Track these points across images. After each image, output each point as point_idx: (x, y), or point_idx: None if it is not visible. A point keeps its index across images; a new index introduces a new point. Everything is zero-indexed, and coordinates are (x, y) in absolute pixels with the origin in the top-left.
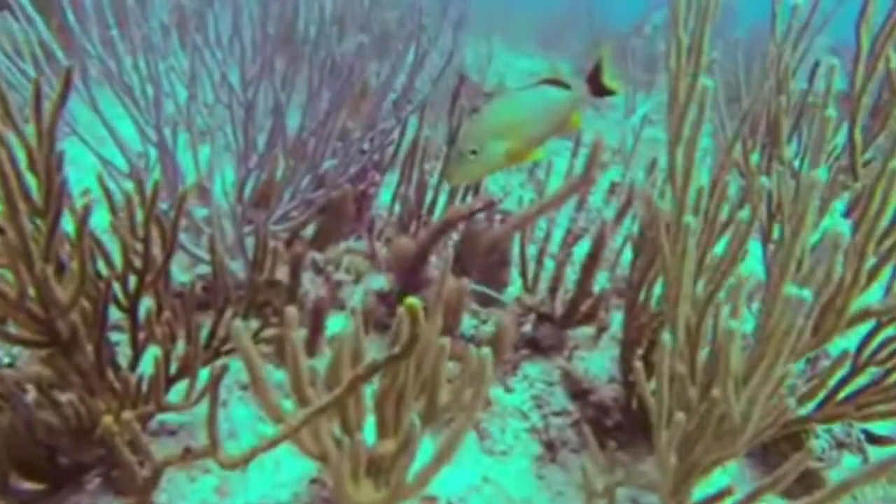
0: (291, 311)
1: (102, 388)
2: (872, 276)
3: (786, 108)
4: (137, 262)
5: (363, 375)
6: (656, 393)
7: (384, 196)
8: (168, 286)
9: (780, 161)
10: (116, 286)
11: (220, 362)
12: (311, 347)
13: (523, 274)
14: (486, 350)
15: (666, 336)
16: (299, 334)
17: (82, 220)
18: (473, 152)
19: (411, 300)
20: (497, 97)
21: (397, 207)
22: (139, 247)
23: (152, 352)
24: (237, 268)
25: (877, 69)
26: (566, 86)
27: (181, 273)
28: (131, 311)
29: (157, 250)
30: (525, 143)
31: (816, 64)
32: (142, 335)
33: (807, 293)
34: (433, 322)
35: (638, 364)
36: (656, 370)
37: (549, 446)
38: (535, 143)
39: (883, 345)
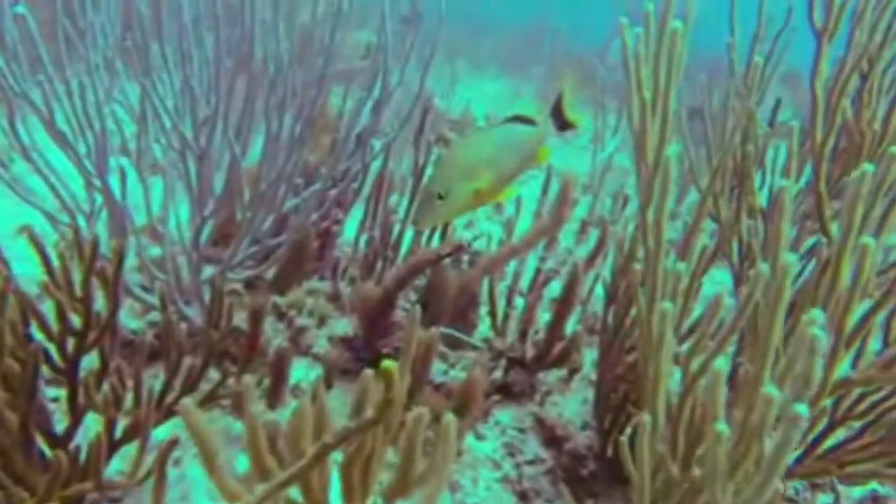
0: (248, 380)
1: (28, 466)
2: (849, 344)
3: (754, 156)
4: (78, 320)
5: (330, 445)
6: (637, 476)
7: (349, 229)
8: (114, 344)
9: (749, 209)
10: (54, 347)
11: (171, 426)
12: (274, 399)
13: (492, 314)
14: (450, 417)
15: (647, 418)
16: (257, 396)
17: None
18: (440, 196)
19: (387, 363)
20: (463, 138)
21: (362, 242)
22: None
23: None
24: (193, 314)
25: (835, 122)
26: (532, 122)
27: (132, 319)
28: (69, 375)
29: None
30: (493, 184)
31: (778, 102)
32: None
33: (802, 409)
34: (401, 382)
35: (623, 439)
36: (637, 455)
37: (523, 496)
38: (504, 183)
39: (859, 398)
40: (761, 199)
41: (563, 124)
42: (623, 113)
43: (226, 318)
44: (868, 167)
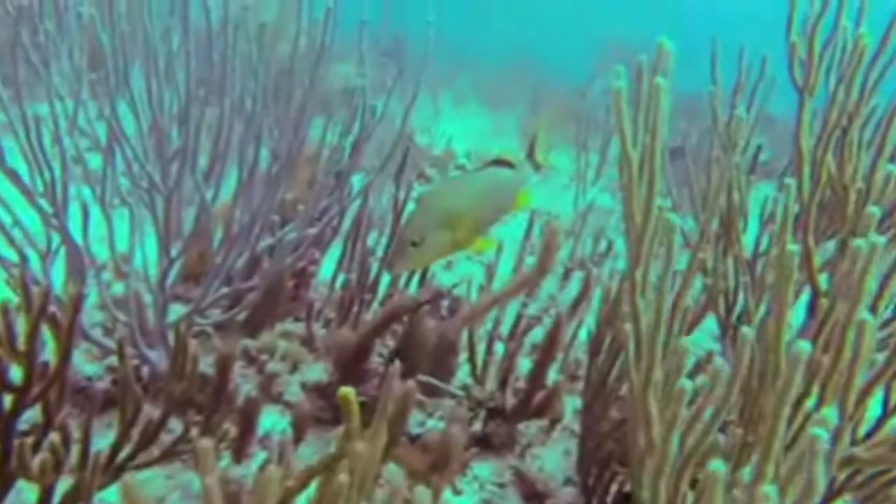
0: (206, 444)
1: None
2: (853, 418)
3: (739, 206)
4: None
5: (293, 490)
6: None
7: (325, 268)
8: (62, 399)
9: (735, 259)
10: None
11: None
12: (240, 451)
13: (472, 360)
14: (423, 491)
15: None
16: (223, 447)
17: None
18: (415, 243)
19: (345, 389)
20: (442, 184)
21: (339, 279)
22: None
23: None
24: (157, 357)
25: (822, 179)
26: (512, 165)
27: (88, 364)
28: (2, 437)
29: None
30: (470, 230)
31: (759, 148)
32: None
33: None
34: (375, 442)
35: None
36: None
37: None
38: (482, 229)
39: (858, 469)
40: (746, 249)
41: (535, 165)
42: (605, 153)
43: (190, 366)
44: (865, 242)
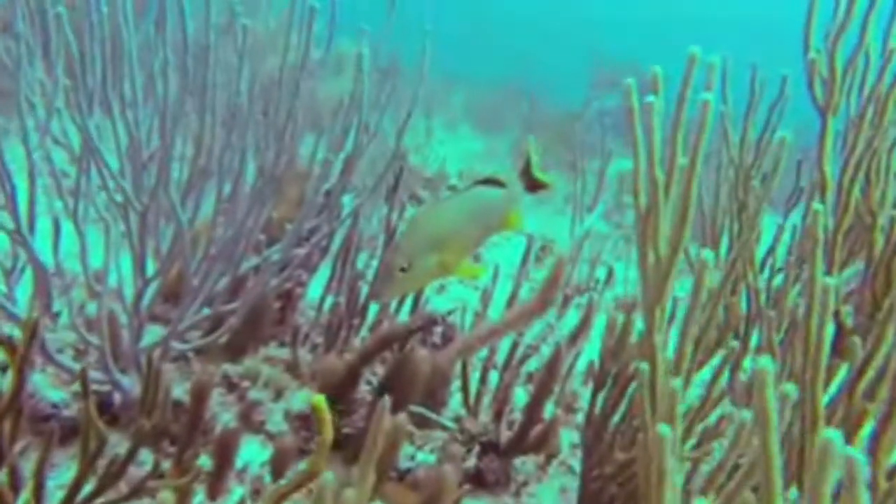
0: (167, 499)
1: None
2: None
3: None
4: None
5: None
6: None
7: (313, 289)
8: (16, 432)
9: (747, 290)
10: None
11: None
12: (216, 487)
13: (464, 389)
14: None
15: None
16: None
17: None
18: (402, 269)
19: (317, 398)
20: (429, 206)
21: (327, 302)
22: None
23: None
24: (130, 383)
25: (849, 209)
26: (503, 184)
27: (54, 389)
28: None
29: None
30: (458, 253)
31: (765, 175)
32: None
33: None
34: (363, 485)
35: None
36: None
37: None
38: (470, 250)
39: None
40: (760, 281)
41: (533, 185)
42: (602, 177)
43: (162, 397)
44: None
